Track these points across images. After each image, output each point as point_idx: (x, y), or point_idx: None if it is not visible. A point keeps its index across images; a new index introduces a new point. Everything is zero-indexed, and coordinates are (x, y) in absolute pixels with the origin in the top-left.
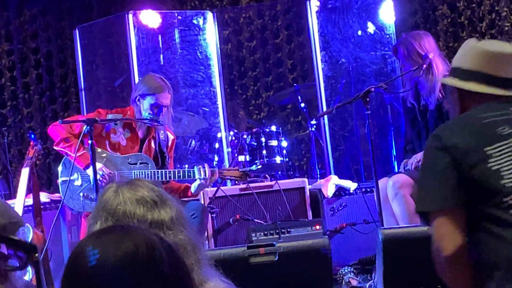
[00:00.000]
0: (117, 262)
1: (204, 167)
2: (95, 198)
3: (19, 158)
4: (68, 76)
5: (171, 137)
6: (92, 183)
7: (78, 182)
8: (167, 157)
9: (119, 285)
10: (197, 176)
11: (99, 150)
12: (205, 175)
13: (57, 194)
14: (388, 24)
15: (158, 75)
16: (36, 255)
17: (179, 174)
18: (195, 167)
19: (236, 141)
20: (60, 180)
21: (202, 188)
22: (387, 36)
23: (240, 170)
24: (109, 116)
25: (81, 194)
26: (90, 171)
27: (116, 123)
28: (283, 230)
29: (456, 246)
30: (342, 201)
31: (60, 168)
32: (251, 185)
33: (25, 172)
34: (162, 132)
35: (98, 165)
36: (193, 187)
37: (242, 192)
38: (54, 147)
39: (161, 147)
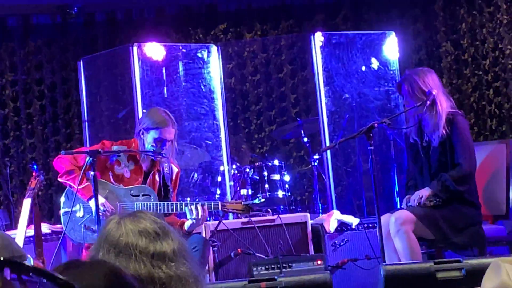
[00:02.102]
0: None
1: (196, 207)
2: (97, 230)
3: (21, 188)
4: (71, 107)
5: (175, 169)
6: (94, 214)
7: (80, 214)
8: (170, 190)
9: None
10: (188, 216)
11: (103, 181)
12: (197, 215)
13: (59, 225)
14: (392, 60)
15: (162, 109)
16: None
17: (181, 207)
18: (186, 207)
19: (238, 174)
20: (62, 211)
21: (195, 227)
22: (391, 72)
23: (243, 203)
24: (114, 148)
25: (83, 225)
26: (92, 203)
27: (119, 155)
28: (284, 265)
29: None
30: (344, 236)
31: (62, 199)
32: (253, 219)
33: (27, 203)
34: (166, 165)
35: (101, 200)
36: (186, 225)
37: (244, 226)
38: (58, 179)
39: (165, 180)
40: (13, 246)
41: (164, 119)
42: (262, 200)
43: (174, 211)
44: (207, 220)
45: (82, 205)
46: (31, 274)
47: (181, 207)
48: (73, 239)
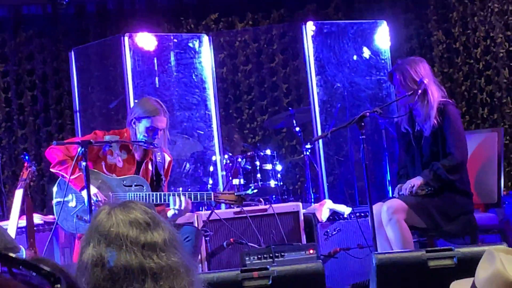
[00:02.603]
0: None
1: (180, 198)
2: (89, 220)
3: (13, 179)
4: (63, 98)
5: (168, 158)
6: (86, 205)
7: (72, 204)
8: (163, 179)
9: None
10: (171, 206)
11: (95, 171)
12: (180, 206)
13: (51, 216)
14: (383, 49)
15: (154, 98)
16: (58, 286)
17: (173, 198)
18: (171, 196)
19: (230, 164)
20: (54, 201)
21: (177, 217)
22: (382, 61)
23: (235, 194)
24: (106, 138)
25: (75, 215)
26: (84, 193)
27: (111, 145)
28: (277, 254)
29: None
30: (336, 225)
31: (55, 189)
32: (245, 208)
33: (18, 194)
34: (159, 154)
35: (94, 190)
36: (169, 214)
37: (236, 216)
38: (51, 169)
39: (157, 170)
40: (5, 237)
41: (156, 107)
42: (255, 190)
43: (166, 201)
44: (199, 210)
45: (75, 195)
46: (20, 267)
47: (174, 198)
48: (65, 229)
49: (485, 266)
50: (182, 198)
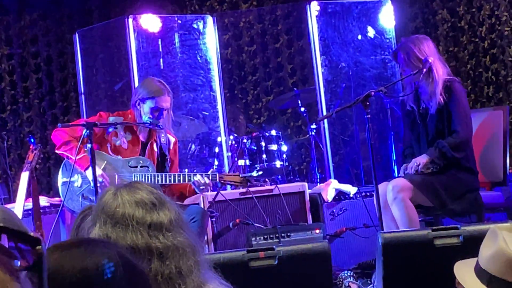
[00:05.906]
0: (73, 279)
1: (203, 177)
2: (95, 200)
3: (18, 162)
4: (68, 80)
5: (172, 139)
6: (91, 185)
7: (77, 184)
8: (168, 160)
9: None
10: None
11: (101, 152)
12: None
13: (57, 198)
14: (388, 29)
15: (157, 79)
16: (39, 247)
17: (179, 178)
18: (194, 177)
19: (236, 145)
20: (60, 181)
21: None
22: (387, 41)
23: (240, 175)
24: (111, 119)
25: (81, 195)
26: (89, 173)
27: (116, 126)
28: (283, 234)
29: None
30: (342, 205)
31: (60, 170)
32: (251, 189)
33: (24, 176)
34: (163, 135)
35: (98, 172)
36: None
37: (242, 196)
38: (56, 151)
39: (162, 150)
40: (15, 221)
41: (159, 88)
42: (260, 172)
43: (172, 182)
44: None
45: (80, 175)
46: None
47: (179, 178)
48: (71, 209)
49: (489, 244)
50: (206, 179)
